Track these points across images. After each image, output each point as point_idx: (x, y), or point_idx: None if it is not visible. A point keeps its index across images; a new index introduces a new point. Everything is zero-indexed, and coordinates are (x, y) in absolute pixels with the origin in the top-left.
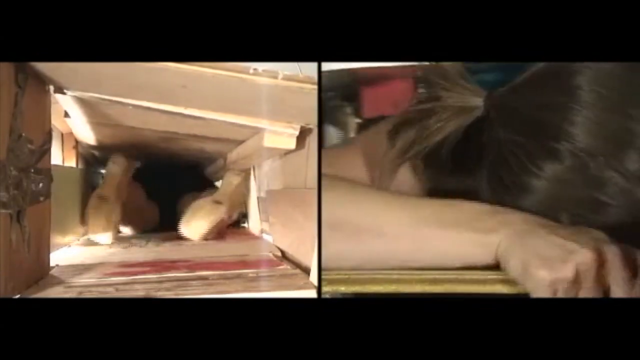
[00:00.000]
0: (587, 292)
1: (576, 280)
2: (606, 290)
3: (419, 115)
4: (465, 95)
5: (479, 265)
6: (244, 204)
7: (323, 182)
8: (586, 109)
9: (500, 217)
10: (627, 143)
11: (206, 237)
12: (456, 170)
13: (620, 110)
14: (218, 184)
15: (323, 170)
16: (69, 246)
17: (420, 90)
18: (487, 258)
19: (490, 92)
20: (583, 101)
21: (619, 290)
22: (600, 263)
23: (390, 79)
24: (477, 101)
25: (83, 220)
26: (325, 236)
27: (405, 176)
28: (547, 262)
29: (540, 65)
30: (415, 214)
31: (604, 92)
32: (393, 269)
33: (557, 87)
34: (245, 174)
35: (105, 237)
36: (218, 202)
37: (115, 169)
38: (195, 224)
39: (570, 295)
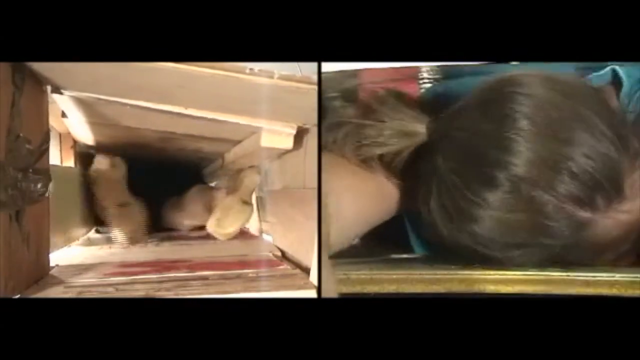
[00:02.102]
0: None
1: None
2: None
3: (359, 125)
4: (407, 122)
5: None
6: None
7: None
8: (523, 137)
9: None
10: (561, 166)
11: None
12: (410, 194)
13: (553, 136)
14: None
15: None
16: (69, 246)
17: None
18: None
19: (432, 119)
20: (518, 128)
21: None
22: None
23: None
24: (420, 127)
25: (113, 231)
26: None
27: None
28: None
29: (477, 89)
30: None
31: (538, 119)
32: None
33: (494, 115)
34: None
35: (135, 239)
36: (246, 202)
37: (116, 173)
38: (227, 224)
39: None
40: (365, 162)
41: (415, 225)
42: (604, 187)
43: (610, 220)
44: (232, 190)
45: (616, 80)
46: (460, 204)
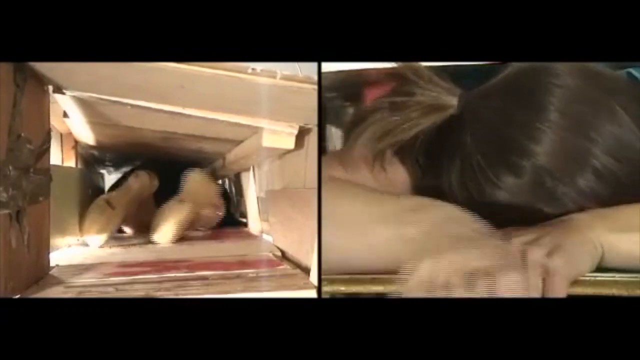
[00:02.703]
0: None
1: (442, 281)
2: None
3: (390, 108)
4: (439, 94)
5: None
6: (216, 199)
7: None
8: (550, 128)
9: (421, 214)
10: (584, 162)
11: (177, 238)
12: (431, 168)
13: (581, 131)
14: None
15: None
16: (69, 246)
17: (394, 85)
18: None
19: (464, 92)
20: (548, 120)
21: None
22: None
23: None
24: (452, 100)
25: (82, 218)
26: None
27: (395, 174)
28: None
29: (512, 72)
30: (353, 205)
31: (569, 113)
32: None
33: (526, 102)
34: (209, 172)
35: (96, 240)
36: (182, 201)
37: (135, 185)
38: (164, 227)
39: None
40: (383, 154)
41: None
42: (626, 185)
43: None
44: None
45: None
46: (481, 184)
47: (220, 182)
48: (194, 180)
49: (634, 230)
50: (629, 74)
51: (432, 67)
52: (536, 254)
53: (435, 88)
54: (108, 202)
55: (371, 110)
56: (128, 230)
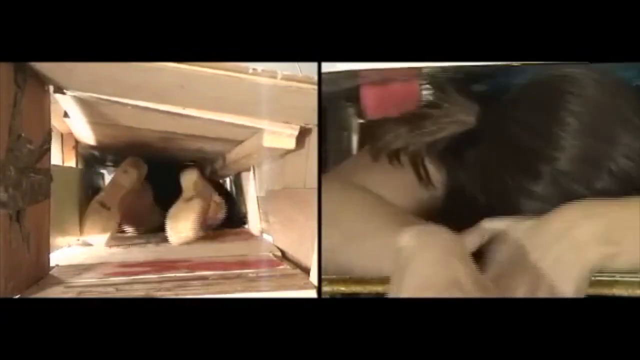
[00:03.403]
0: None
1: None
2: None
3: (415, 118)
4: (458, 111)
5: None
6: (212, 197)
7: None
8: (570, 134)
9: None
10: (601, 164)
11: (198, 235)
12: (453, 177)
13: (601, 136)
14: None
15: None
16: (69, 246)
17: (426, 95)
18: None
19: (481, 109)
20: (569, 128)
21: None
22: None
23: (394, 80)
24: (470, 119)
25: (80, 223)
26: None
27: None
28: None
29: (529, 86)
30: (355, 209)
31: (588, 119)
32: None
33: (546, 113)
34: (199, 168)
35: (99, 240)
36: (189, 199)
37: (124, 180)
38: (179, 229)
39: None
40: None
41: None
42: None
43: None
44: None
45: None
46: (503, 192)
47: (222, 180)
48: (191, 179)
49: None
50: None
51: (451, 79)
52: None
53: (456, 105)
54: (102, 204)
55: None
56: (129, 230)
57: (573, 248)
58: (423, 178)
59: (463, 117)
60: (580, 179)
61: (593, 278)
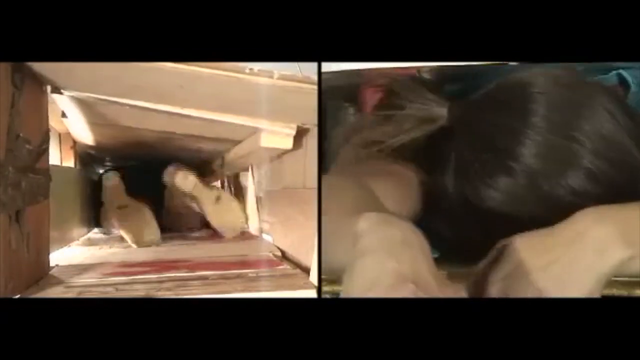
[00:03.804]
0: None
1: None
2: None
3: (379, 120)
4: (429, 106)
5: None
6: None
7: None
8: (536, 132)
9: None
10: (571, 163)
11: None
12: (428, 171)
13: (566, 133)
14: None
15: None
16: (69, 246)
17: (385, 98)
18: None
19: (452, 104)
20: (534, 125)
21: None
22: None
23: (370, 81)
24: (442, 111)
25: (121, 234)
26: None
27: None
28: None
29: (495, 85)
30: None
31: (553, 117)
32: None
33: (512, 110)
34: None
35: (146, 242)
36: (219, 198)
37: (115, 182)
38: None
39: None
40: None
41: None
42: (621, 185)
43: None
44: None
45: (623, 83)
46: (476, 186)
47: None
48: (183, 184)
49: None
50: (619, 74)
51: (421, 77)
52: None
53: (425, 101)
54: (120, 207)
55: (364, 120)
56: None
57: (589, 251)
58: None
59: (434, 112)
60: (551, 177)
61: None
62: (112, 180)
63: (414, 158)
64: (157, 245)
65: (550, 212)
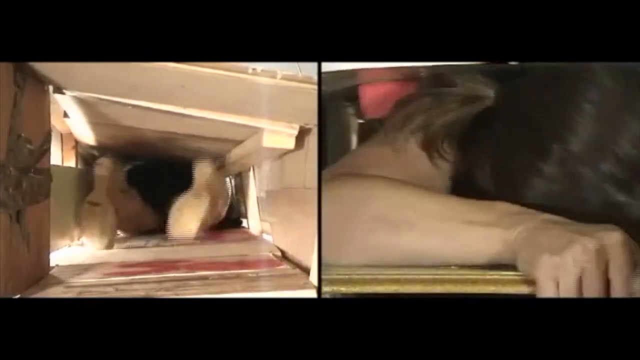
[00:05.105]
0: (588, 281)
1: (576, 268)
2: (607, 281)
3: (426, 100)
4: (477, 85)
5: (502, 262)
6: (226, 193)
7: (360, 178)
8: (584, 119)
9: (526, 216)
10: (608, 149)
11: (199, 234)
12: (464, 158)
13: (609, 121)
14: None
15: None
16: (69, 246)
17: (430, 78)
18: (508, 255)
19: (500, 85)
20: (583, 112)
21: (619, 280)
22: (601, 252)
23: (394, 80)
24: (489, 92)
25: (79, 228)
26: (365, 230)
27: (423, 166)
28: (547, 249)
29: (545, 72)
30: (445, 210)
31: (601, 106)
32: (423, 266)
33: (562, 96)
34: (219, 163)
35: (102, 243)
36: (199, 195)
37: (101, 172)
38: (183, 223)
39: (571, 285)
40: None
41: None
42: None
43: None
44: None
45: None
46: (517, 171)
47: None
48: (206, 172)
49: None
50: None
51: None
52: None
53: (474, 80)
54: (91, 203)
55: (411, 99)
56: (121, 234)
57: None
58: (436, 160)
59: (481, 90)
60: (587, 162)
61: None
62: (103, 169)
63: (456, 140)
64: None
65: (576, 191)
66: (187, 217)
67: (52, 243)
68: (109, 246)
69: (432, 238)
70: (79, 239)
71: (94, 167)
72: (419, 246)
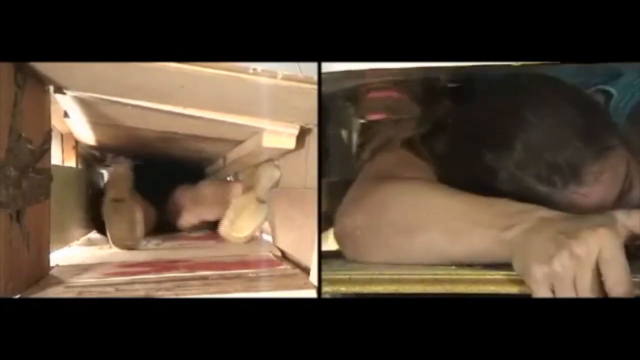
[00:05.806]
0: (581, 283)
1: (567, 274)
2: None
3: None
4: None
5: (502, 262)
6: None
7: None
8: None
9: (522, 215)
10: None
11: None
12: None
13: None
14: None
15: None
16: (69, 246)
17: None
18: (507, 255)
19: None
20: (522, 119)
21: (611, 277)
22: (589, 253)
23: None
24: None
25: (100, 229)
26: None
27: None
28: (537, 258)
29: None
30: (451, 209)
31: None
32: (431, 264)
33: (504, 106)
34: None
35: (132, 240)
36: (262, 201)
37: (120, 169)
38: (241, 226)
39: (566, 289)
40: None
41: None
42: (562, 169)
43: (566, 200)
44: (247, 187)
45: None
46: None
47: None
48: (273, 177)
49: None
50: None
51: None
52: None
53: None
54: (116, 200)
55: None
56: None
57: None
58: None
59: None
60: (530, 172)
61: None
62: (121, 167)
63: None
64: (135, 249)
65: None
66: (246, 221)
67: (52, 243)
68: (139, 242)
69: (439, 238)
70: (110, 241)
71: (109, 166)
72: (424, 245)
